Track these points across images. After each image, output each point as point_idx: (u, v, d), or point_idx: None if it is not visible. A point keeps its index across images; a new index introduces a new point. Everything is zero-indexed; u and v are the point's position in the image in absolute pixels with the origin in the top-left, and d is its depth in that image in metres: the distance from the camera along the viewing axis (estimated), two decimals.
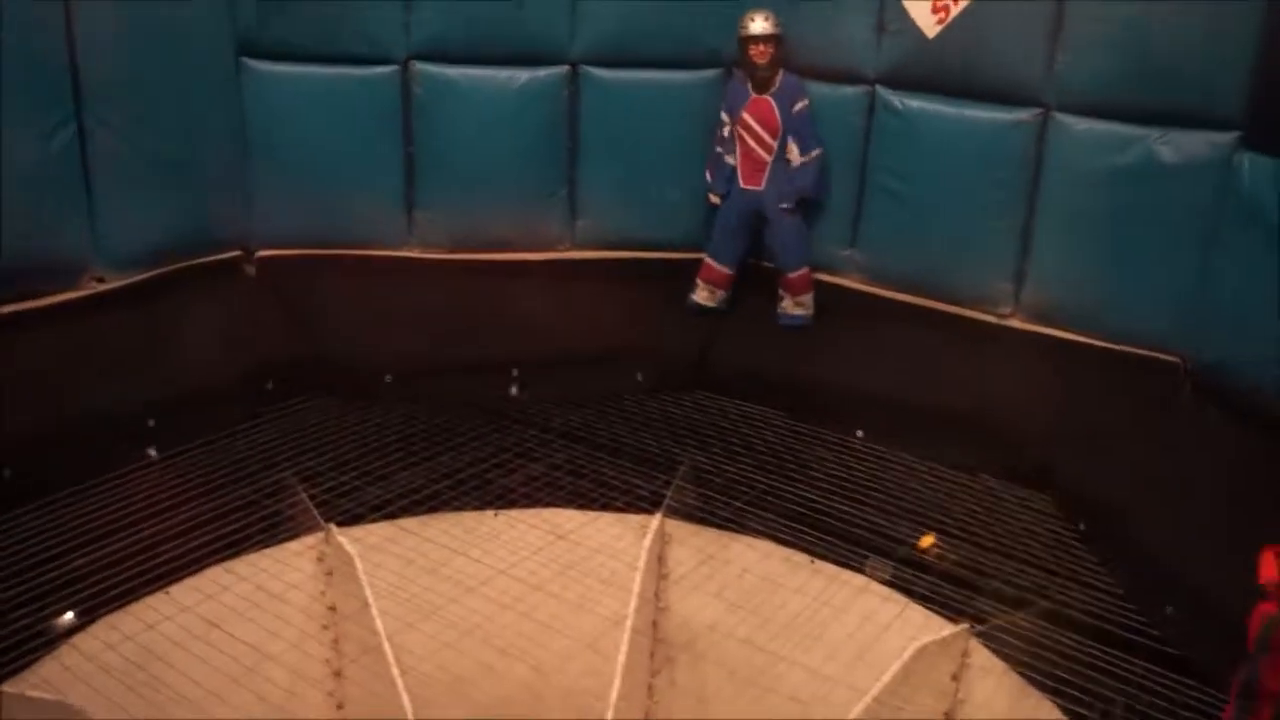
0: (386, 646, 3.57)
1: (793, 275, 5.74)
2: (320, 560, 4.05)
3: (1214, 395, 4.62)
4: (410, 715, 3.27)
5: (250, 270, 5.71)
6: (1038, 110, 5.19)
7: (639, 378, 5.55)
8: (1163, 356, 4.97)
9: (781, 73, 5.61)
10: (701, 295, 5.91)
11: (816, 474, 4.77)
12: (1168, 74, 4.84)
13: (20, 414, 4.30)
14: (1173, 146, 4.89)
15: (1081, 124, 5.09)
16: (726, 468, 4.76)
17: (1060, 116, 5.14)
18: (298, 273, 5.75)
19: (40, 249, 4.78)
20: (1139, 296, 5.04)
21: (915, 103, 5.50)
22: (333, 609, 3.97)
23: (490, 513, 4.43)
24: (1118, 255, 5.07)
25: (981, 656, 3.55)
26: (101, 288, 4.99)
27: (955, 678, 3.53)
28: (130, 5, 5.02)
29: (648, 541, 4.14)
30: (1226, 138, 4.75)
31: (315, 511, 4.18)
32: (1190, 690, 3.42)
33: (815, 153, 5.62)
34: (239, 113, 5.63)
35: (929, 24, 5.29)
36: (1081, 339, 5.16)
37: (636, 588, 3.89)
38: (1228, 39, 4.66)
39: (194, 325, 5.21)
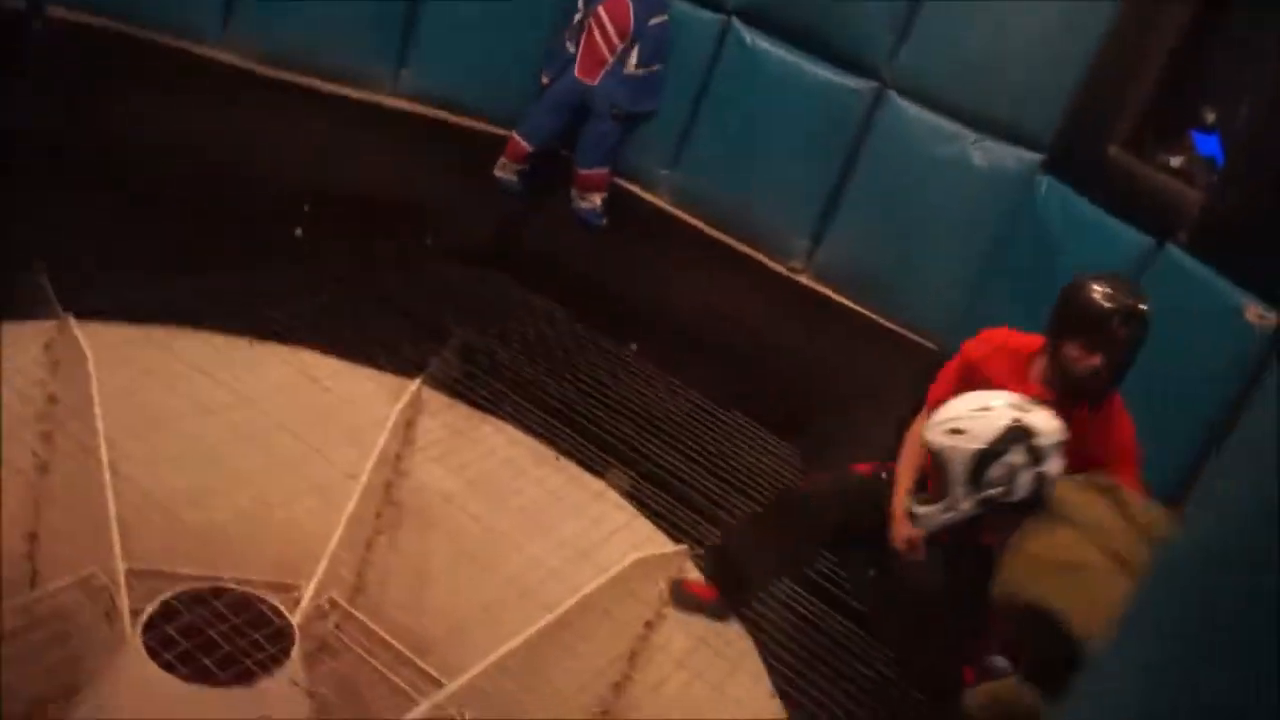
0: (103, 448, 3.39)
1: (586, 172, 5.72)
2: (48, 348, 3.79)
3: None
4: (113, 520, 3.13)
5: (37, 25, 5.20)
6: (875, 84, 5.33)
7: (429, 242, 5.42)
8: (926, 344, 5.27)
9: None
10: (502, 170, 5.80)
11: (582, 376, 4.82)
12: (994, 85, 5.06)
13: None
14: (986, 152, 5.14)
15: (911, 109, 5.27)
16: (496, 350, 4.74)
17: (894, 95, 5.31)
18: (92, 44, 5.29)
19: None
20: (920, 285, 5.31)
21: (764, 44, 5.54)
22: (52, 400, 3.73)
23: (245, 340, 4.26)
24: (911, 241, 5.32)
25: (694, 578, 3.71)
26: None
27: (664, 593, 3.68)
28: None
29: (400, 403, 4.08)
30: (1033, 157, 5.04)
31: (53, 297, 3.90)
32: (864, 641, 3.68)
33: (654, 67, 5.59)
34: None
35: None
36: (860, 309, 5.40)
37: (379, 445, 3.84)
38: (1055, 68, 4.92)
39: None
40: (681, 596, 3.50)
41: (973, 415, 2.70)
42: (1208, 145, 4.77)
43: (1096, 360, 2.92)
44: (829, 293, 5.48)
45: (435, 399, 4.22)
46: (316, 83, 5.64)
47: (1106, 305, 2.91)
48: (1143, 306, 2.94)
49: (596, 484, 4.11)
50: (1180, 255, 4.44)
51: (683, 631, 3.45)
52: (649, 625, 3.59)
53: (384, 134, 5.66)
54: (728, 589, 3.61)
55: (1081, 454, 2.82)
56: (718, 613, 3.63)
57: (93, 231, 4.59)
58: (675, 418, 4.78)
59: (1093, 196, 4.75)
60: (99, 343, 3.86)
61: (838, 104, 5.39)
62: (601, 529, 3.90)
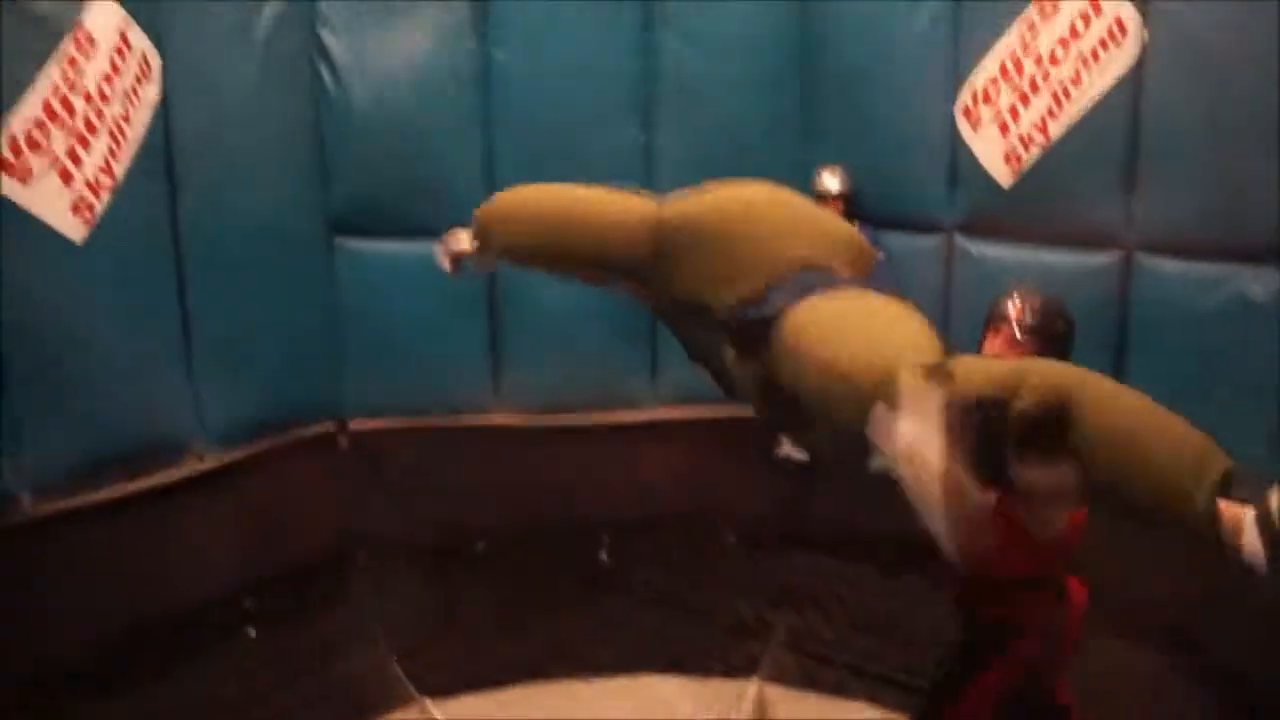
0: None
1: None
2: None
3: None
4: None
5: (344, 442, 5.81)
6: (1120, 252, 5.14)
7: (731, 539, 5.47)
8: None
9: (858, 224, 5.65)
10: (784, 448, 5.84)
11: (915, 633, 4.61)
12: (1248, 211, 4.78)
13: (118, 598, 4.35)
14: (1262, 283, 4.80)
15: (1164, 264, 5.02)
16: (822, 630, 4.63)
17: (1141, 256, 5.09)
18: (388, 443, 5.85)
19: (145, 428, 4.91)
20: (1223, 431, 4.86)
21: (992, 250, 5.49)
22: None
23: (587, 683, 4.35)
24: (1208, 395, 4.92)
25: None
26: (202, 467, 5.07)
27: None
28: (229, 191, 5.28)
29: (746, 708, 4.02)
30: None
31: (409, 685, 4.15)
32: None
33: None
34: (331, 289, 5.83)
35: (1003, 174, 5.33)
36: None
37: None
38: None
39: (291, 500, 5.29)
40: None
41: None
42: None
43: (997, 345, 2.88)
44: None
45: (779, 694, 4.14)
46: (583, 419, 5.97)
47: (1005, 294, 2.97)
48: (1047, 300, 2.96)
49: None
50: None
51: None
52: None
53: (656, 446, 5.87)
54: None
55: None
56: None
57: (429, 611, 4.91)
58: None
59: None
60: (459, 718, 4.05)
61: (1086, 288, 5.18)
62: None
